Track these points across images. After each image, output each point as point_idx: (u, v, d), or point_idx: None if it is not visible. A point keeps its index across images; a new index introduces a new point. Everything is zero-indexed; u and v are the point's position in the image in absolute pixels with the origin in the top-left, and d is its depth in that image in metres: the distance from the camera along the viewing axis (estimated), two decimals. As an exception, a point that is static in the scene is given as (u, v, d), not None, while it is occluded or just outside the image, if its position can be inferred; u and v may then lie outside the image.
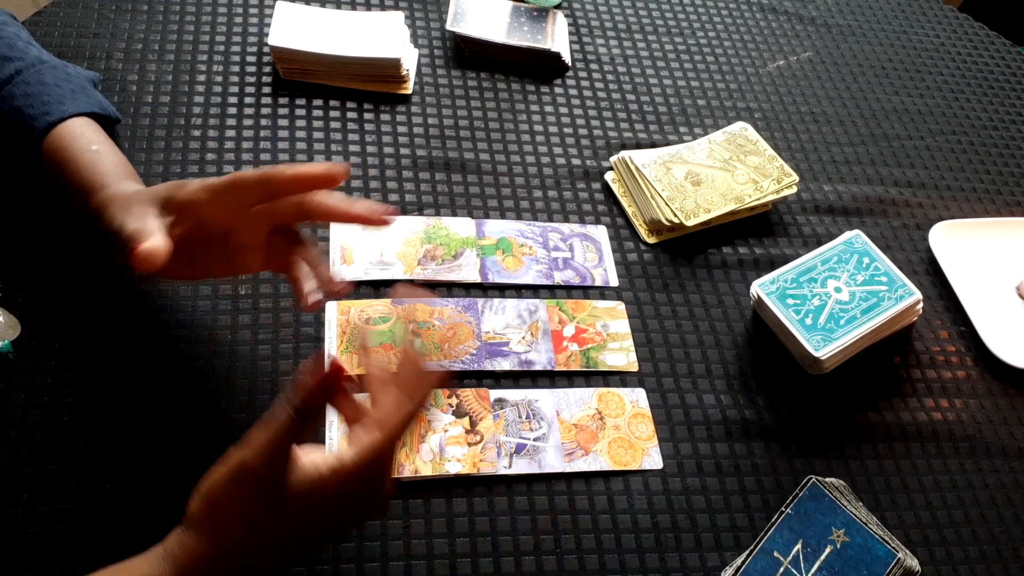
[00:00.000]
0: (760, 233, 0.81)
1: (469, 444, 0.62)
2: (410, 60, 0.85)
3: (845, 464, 0.67)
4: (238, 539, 0.43)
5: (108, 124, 0.65)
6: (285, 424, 0.42)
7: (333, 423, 0.61)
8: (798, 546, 0.60)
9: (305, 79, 0.81)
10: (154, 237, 0.50)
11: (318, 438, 0.60)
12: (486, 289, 0.71)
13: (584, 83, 0.90)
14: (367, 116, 0.81)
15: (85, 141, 0.60)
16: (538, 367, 0.67)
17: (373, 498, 0.47)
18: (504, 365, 0.66)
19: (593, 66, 0.92)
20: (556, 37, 0.91)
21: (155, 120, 0.75)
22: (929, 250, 0.82)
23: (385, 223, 0.55)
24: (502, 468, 0.61)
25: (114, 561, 0.53)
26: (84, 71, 0.67)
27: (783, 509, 0.61)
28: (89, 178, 0.57)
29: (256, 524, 0.43)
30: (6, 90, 0.61)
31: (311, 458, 0.44)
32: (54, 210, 0.65)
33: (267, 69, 0.82)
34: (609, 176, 0.81)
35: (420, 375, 0.46)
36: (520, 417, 0.64)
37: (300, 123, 0.78)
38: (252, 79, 0.81)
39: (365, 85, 0.82)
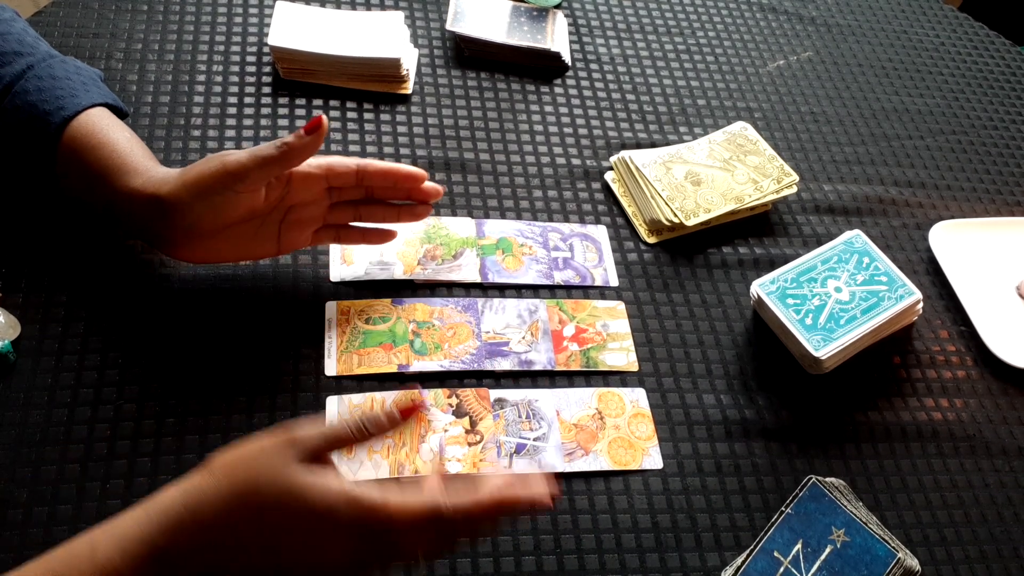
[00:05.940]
0: (760, 233, 0.81)
1: (469, 444, 0.62)
2: (410, 60, 0.85)
3: (845, 464, 0.67)
4: (253, 509, 0.42)
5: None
6: (346, 429, 0.46)
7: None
8: (798, 546, 0.60)
9: (305, 79, 0.81)
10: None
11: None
12: (486, 289, 0.71)
13: (584, 83, 0.90)
14: (367, 116, 0.81)
15: (119, 127, 0.61)
16: (538, 367, 0.67)
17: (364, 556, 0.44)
18: (504, 365, 0.66)
19: (593, 66, 0.92)
20: (556, 37, 0.91)
21: (155, 120, 0.75)
22: (929, 250, 0.82)
23: (428, 203, 0.65)
24: (502, 468, 0.61)
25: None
26: (88, 67, 0.67)
27: (783, 509, 0.61)
28: (127, 160, 0.59)
29: (272, 496, 0.42)
30: (19, 85, 0.61)
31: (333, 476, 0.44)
32: (58, 206, 0.65)
33: (267, 69, 0.82)
34: (609, 176, 0.81)
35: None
36: (520, 417, 0.64)
37: (300, 123, 0.78)
38: (252, 79, 0.81)
39: (365, 85, 0.82)
